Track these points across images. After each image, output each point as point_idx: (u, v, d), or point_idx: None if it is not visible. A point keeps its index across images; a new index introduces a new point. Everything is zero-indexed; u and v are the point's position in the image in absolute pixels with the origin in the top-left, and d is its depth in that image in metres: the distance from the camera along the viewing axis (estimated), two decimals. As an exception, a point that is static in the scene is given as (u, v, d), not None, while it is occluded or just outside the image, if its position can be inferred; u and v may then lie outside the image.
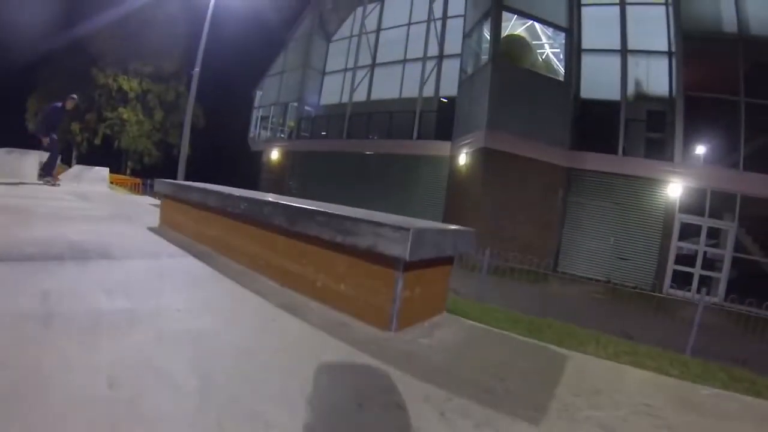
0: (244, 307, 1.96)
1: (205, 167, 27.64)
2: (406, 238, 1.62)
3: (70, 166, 19.62)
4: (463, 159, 16.92)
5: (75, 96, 9.57)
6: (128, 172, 32.28)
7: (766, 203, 14.78)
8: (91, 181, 11.38)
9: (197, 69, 16.40)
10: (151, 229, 3.95)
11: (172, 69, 31.46)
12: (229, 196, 2.79)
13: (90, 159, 24.35)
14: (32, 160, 9.66)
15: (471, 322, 2.12)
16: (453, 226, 2.12)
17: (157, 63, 30.90)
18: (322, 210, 1.99)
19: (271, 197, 2.70)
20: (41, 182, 9.07)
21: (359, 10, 26.02)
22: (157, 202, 7.90)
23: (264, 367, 1.40)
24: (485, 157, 15.35)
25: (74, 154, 31.85)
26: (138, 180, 25.44)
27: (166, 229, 3.93)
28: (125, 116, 31.52)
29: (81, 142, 31.93)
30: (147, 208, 6.26)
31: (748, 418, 1.50)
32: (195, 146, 16.33)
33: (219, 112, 32.55)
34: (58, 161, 9.74)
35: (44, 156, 9.43)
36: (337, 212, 1.92)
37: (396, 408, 1.26)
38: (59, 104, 9.24)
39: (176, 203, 3.86)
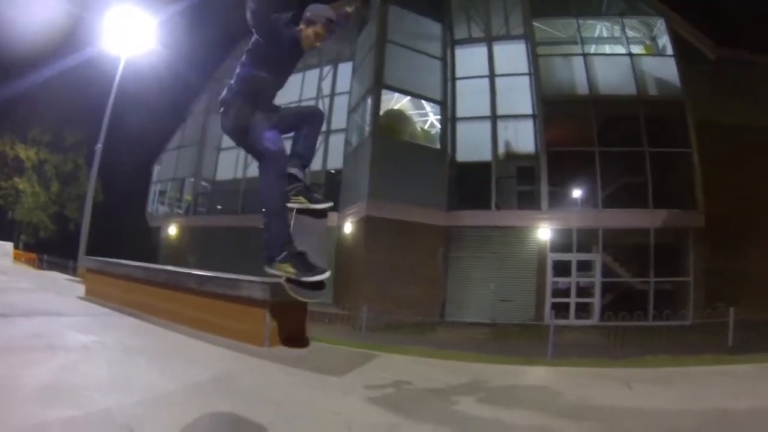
0: (169, 341, 3.01)
1: (103, 242, 26.88)
2: (267, 288, 2.80)
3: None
4: (348, 228, 18.20)
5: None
6: (21, 246, 30.77)
7: (624, 233, 17.38)
8: (-7, 255, 11.50)
9: (100, 145, 16.76)
10: (81, 297, 4.78)
11: (73, 139, 30.94)
12: (152, 269, 3.83)
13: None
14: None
15: (320, 342, 3.30)
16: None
17: (57, 132, 30.30)
18: (219, 275, 3.13)
19: (183, 269, 3.76)
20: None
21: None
22: (69, 277, 8.47)
23: (184, 365, 2.48)
24: (368, 225, 16.60)
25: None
26: (33, 255, 24.49)
27: (94, 298, 4.77)
28: (21, 187, 30.36)
29: (-31, 212, 30.35)
30: (64, 282, 6.88)
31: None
32: (92, 220, 16.31)
33: (117, 185, 31.87)
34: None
35: None
36: (228, 276, 3.07)
37: (264, 375, 2.40)
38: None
39: (102, 277, 4.74)
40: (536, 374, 3.07)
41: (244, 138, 3.23)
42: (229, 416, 1.76)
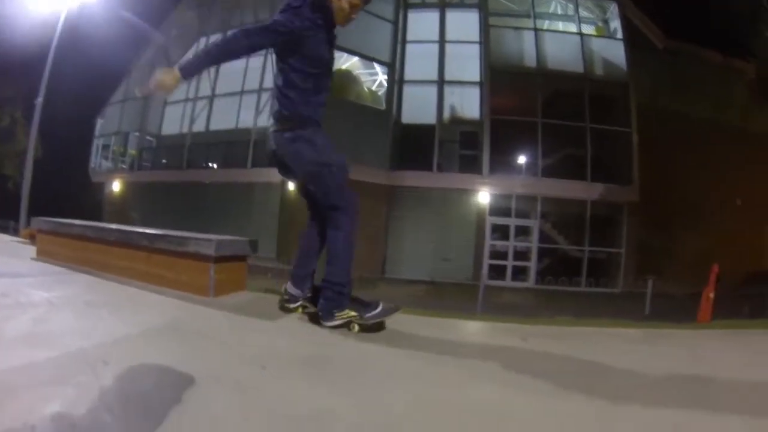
0: (124, 294, 3.40)
1: (44, 200, 25.75)
2: (212, 245, 3.22)
3: None
4: (292, 185, 18.30)
5: None
6: (-50, 206, 29.20)
7: (562, 201, 18.48)
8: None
9: (40, 99, 16.20)
10: (34, 258, 4.99)
11: (9, 92, 29.23)
12: (105, 228, 4.15)
13: None
14: None
15: (257, 293, 3.76)
16: (240, 238, 3.76)
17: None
18: (169, 233, 3.53)
19: (135, 228, 4.11)
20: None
21: (203, 40, 26.46)
22: (14, 238, 8.48)
23: (141, 314, 2.90)
24: (310, 182, 16.96)
25: None
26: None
27: (47, 258, 4.98)
28: (-47, 143, 28.76)
29: None
30: (12, 244, 6.95)
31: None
32: (33, 178, 15.84)
33: (58, 140, 30.52)
34: None
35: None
36: (177, 234, 3.48)
37: (210, 320, 2.86)
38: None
39: (55, 237, 4.95)
40: (443, 323, 3.60)
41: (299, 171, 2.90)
42: (183, 351, 2.20)
